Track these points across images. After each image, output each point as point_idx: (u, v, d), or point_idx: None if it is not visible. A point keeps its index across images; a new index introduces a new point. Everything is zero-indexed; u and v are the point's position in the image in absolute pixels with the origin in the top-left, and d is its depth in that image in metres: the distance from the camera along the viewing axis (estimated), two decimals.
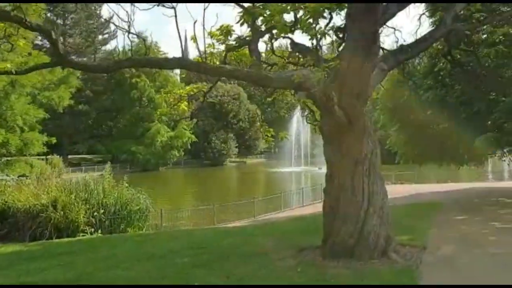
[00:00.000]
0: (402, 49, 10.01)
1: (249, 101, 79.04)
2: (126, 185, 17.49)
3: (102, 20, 69.20)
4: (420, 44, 10.23)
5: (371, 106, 13.40)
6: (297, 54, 11.06)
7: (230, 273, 7.93)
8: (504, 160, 21.48)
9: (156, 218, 18.45)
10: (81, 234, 14.70)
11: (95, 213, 15.37)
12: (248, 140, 78.17)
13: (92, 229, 15.08)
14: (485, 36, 16.45)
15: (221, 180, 51.43)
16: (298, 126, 64.28)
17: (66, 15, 67.06)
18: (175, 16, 8.95)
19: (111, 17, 72.22)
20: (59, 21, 66.25)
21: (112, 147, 64.23)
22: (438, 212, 16.35)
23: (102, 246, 11.66)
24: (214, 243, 11.20)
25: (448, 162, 20.42)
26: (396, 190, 26.94)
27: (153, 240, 12.26)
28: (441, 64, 15.67)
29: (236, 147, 75.77)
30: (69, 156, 66.56)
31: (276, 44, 11.65)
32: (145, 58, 9.20)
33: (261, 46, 10.69)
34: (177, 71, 71.67)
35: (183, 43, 9.17)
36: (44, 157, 50.91)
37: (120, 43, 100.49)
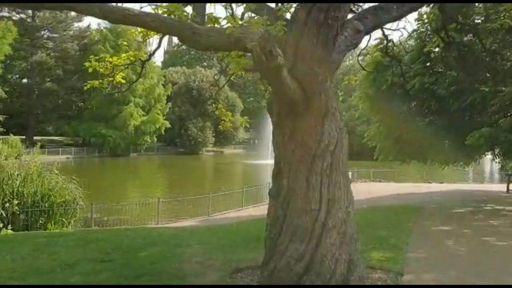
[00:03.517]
0: (385, 6, 7.43)
1: (229, 88, 76.07)
2: (56, 171, 14.72)
3: None
4: (410, 2, 7.68)
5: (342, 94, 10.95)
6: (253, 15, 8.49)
7: None
8: (498, 162, 19.22)
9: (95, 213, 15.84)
10: None
11: (7, 204, 12.59)
12: (226, 130, 75.27)
13: (1, 224, 12.31)
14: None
15: (192, 170, 48.53)
16: None
17: None
18: None
19: None
20: None
21: (80, 129, 60.74)
22: (419, 219, 14.01)
23: None
24: (129, 254, 8.58)
25: (432, 161, 18.04)
26: (373, 189, 24.77)
27: (58, 244, 9.59)
28: (432, 44, 13.18)
29: (213, 136, 72.87)
30: (35, 138, 63.09)
31: None
32: None
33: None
34: (159, 55, 68.58)
35: None
36: (4, 136, 47.41)
37: (94, 20, 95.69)
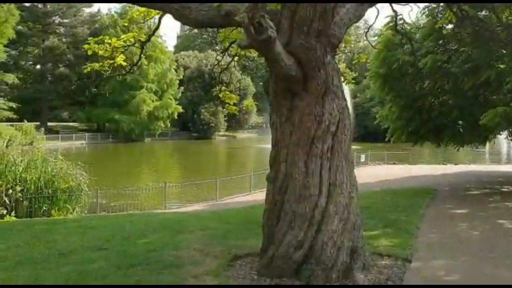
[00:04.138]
0: None
1: (240, 72, 75.45)
2: (61, 157, 14.55)
3: None
4: None
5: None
6: None
7: None
8: None
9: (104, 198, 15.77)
10: None
11: (10, 191, 12.45)
12: (239, 114, 74.57)
13: (5, 211, 12.19)
14: None
15: (204, 155, 48.45)
16: None
17: None
18: None
19: None
20: None
21: (94, 115, 60.85)
22: (432, 201, 13.61)
23: None
24: (128, 241, 8.32)
25: (447, 142, 17.46)
26: (387, 172, 24.34)
27: (57, 232, 9.38)
28: (445, 19, 12.52)
29: (225, 120, 72.39)
30: (50, 124, 63.47)
31: None
32: None
33: None
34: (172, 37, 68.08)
35: None
36: (19, 123, 47.51)
37: (105, 5, 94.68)
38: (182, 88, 66.81)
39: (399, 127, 16.79)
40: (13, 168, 13.13)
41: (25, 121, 45.51)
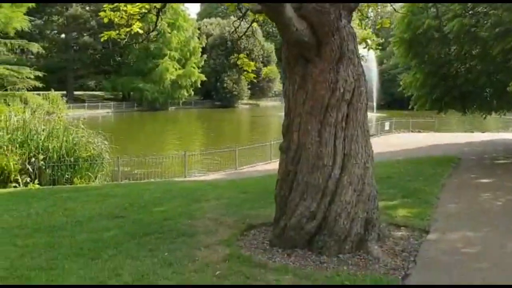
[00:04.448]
0: None
1: (264, 38, 74.33)
2: (82, 126, 14.68)
3: None
4: None
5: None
6: None
7: (114, 272, 5.10)
8: None
9: (126, 166, 15.99)
10: (13, 185, 12.09)
11: (33, 159, 12.67)
12: (262, 82, 73.90)
13: (28, 179, 12.44)
14: None
15: (226, 123, 48.48)
16: None
17: None
18: None
19: None
20: None
21: (118, 83, 61.18)
22: (456, 170, 13.34)
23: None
24: (145, 210, 8.41)
25: (473, 110, 16.92)
26: (412, 140, 23.98)
27: (77, 199, 9.52)
28: None
29: (248, 88, 71.87)
30: (76, 93, 64.29)
31: None
32: None
33: None
34: (195, 5, 67.18)
35: None
36: (45, 92, 48.07)
37: None
38: (205, 56, 66.36)
39: (423, 95, 16.32)
40: (35, 137, 13.32)
41: (52, 90, 46.07)
